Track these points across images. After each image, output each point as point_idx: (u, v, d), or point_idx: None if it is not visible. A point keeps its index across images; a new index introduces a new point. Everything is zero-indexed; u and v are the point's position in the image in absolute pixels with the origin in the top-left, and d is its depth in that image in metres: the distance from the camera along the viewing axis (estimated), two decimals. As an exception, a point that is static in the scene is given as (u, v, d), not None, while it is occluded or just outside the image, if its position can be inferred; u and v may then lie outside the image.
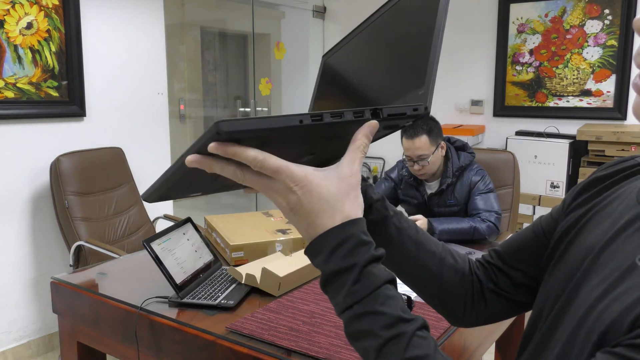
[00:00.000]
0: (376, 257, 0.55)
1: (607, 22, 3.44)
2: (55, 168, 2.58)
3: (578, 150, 3.42)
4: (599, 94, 3.52)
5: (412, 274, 0.75)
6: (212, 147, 0.50)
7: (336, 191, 0.54)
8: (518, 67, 3.79)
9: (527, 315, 1.60)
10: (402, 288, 1.48)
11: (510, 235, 0.79)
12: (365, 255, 0.54)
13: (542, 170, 3.47)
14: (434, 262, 0.74)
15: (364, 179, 0.67)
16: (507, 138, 3.65)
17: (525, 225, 3.50)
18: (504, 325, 1.70)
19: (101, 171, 2.77)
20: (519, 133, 3.69)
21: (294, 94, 5.08)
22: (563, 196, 3.41)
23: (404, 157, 2.19)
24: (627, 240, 0.54)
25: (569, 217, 0.67)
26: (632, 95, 0.58)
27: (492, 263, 0.77)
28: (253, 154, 0.51)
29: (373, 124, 0.55)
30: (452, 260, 0.76)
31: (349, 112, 0.53)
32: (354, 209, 0.55)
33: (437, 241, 0.77)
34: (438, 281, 0.75)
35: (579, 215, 0.65)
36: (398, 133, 2.18)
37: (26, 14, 2.51)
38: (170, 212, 3.25)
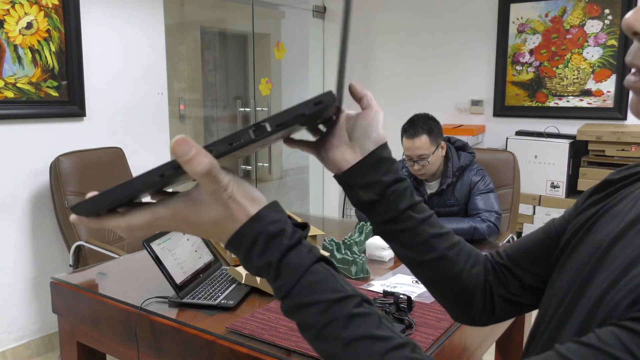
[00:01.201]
0: (290, 246, 0.53)
1: (607, 22, 3.44)
2: (55, 168, 2.58)
3: (578, 150, 3.42)
4: (599, 94, 3.52)
5: (432, 276, 0.75)
6: (74, 219, 0.51)
7: (212, 212, 0.52)
8: (518, 67, 3.79)
9: (527, 315, 1.60)
10: (402, 288, 1.48)
11: (522, 236, 0.79)
12: (279, 248, 0.52)
13: (542, 170, 3.47)
14: (456, 269, 0.74)
15: (399, 181, 0.68)
16: (507, 138, 3.65)
17: (526, 225, 3.50)
18: (504, 325, 1.69)
19: (101, 171, 2.76)
20: (519, 133, 3.69)
21: (294, 94, 5.08)
22: (563, 196, 3.41)
23: (404, 157, 2.19)
24: (635, 237, 0.54)
25: (579, 218, 0.67)
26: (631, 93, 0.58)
27: (502, 264, 0.76)
28: (115, 225, 0.52)
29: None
30: (472, 267, 0.75)
31: (222, 143, 0.51)
32: (244, 208, 0.53)
33: (463, 244, 0.75)
34: (455, 288, 0.75)
35: (588, 216, 0.65)
36: (398, 133, 2.18)
37: (26, 13, 2.51)
38: (170, 212, 3.25)
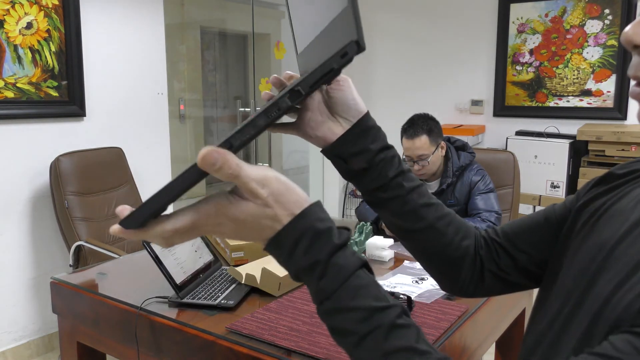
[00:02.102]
0: (339, 246, 0.52)
1: (607, 22, 3.44)
2: (55, 168, 2.58)
3: (578, 150, 3.42)
4: (599, 94, 3.52)
5: (420, 245, 0.77)
6: (117, 231, 0.48)
7: (253, 208, 0.51)
8: (518, 67, 3.79)
9: (528, 315, 1.60)
10: (402, 288, 1.48)
11: (522, 217, 0.79)
12: (326, 247, 0.51)
13: (542, 170, 3.47)
14: (444, 240, 0.75)
15: (387, 148, 0.69)
16: (507, 138, 3.65)
17: (526, 225, 3.50)
18: (504, 325, 1.69)
19: (101, 171, 2.76)
20: (519, 133, 3.69)
21: (294, 94, 5.05)
22: (563, 196, 3.41)
23: (404, 157, 2.19)
24: (639, 236, 0.54)
25: (580, 213, 0.67)
26: (634, 103, 0.59)
27: (498, 242, 0.77)
28: (161, 230, 0.49)
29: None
30: (462, 240, 0.76)
31: (261, 116, 0.50)
32: (286, 207, 0.51)
33: (453, 217, 0.76)
34: (443, 258, 0.76)
35: (591, 211, 0.65)
36: (398, 133, 2.18)
37: (26, 13, 2.51)
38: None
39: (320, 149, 0.70)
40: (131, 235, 0.49)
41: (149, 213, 0.49)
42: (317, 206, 0.53)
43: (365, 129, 0.68)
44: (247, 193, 0.50)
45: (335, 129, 0.68)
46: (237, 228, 0.51)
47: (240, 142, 0.49)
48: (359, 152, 0.68)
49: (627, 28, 0.52)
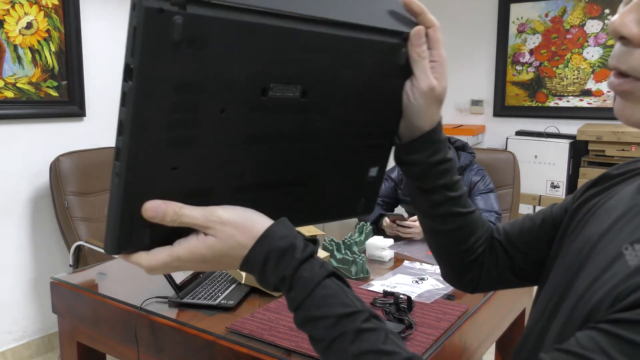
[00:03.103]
0: (303, 259, 0.55)
1: (607, 22, 3.44)
2: (55, 168, 2.58)
3: (578, 150, 3.42)
4: (599, 94, 3.52)
5: (440, 244, 0.78)
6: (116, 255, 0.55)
7: (219, 245, 0.55)
8: (518, 67, 3.79)
9: (527, 314, 1.60)
10: (402, 288, 1.48)
11: (522, 217, 0.80)
12: (291, 262, 0.54)
13: (542, 170, 3.47)
14: (464, 246, 0.76)
15: (445, 162, 0.68)
16: (507, 138, 3.65)
17: (526, 225, 3.50)
18: (504, 325, 1.69)
19: (101, 171, 2.77)
20: (519, 133, 3.69)
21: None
22: (563, 196, 3.41)
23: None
24: (619, 231, 0.54)
25: (575, 213, 0.68)
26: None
27: (499, 240, 0.78)
28: (137, 262, 0.55)
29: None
30: (479, 246, 0.77)
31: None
32: (248, 232, 0.55)
33: (479, 223, 0.77)
34: (458, 259, 0.77)
35: (584, 212, 0.66)
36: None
37: (26, 13, 2.51)
38: (170, 212, 3.25)
39: None
40: (122, 258, 0.55)
41: (113, 236, 0.52)
42: (278, 225, 0.56)
43: (432, 141, 0.67)
44: (205, 231, 0.55)
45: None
46: (214, 265, 0.57)
47: None
48: (413, 162, 0.68)
49: (614, 17, 0.52)
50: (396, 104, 0.65)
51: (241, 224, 0.55)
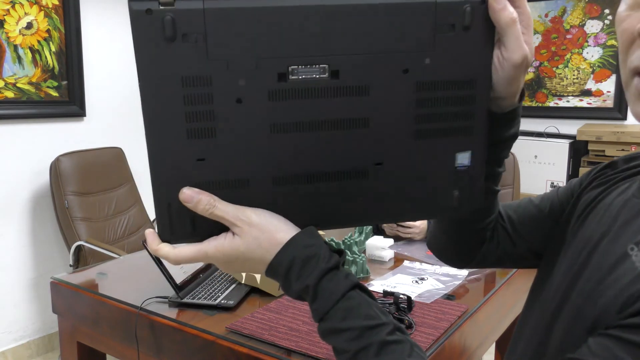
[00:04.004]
0: (327, 269, 0.54)
1: (607, 22, 3.44)
2: (55, 168, 2.58)
3: (578, 150, 3.42)
4: (599, 94, 3.52)
5: (447, 226, 0.76)
6: (147, 235, 0.59)
7: (243, 246, 0.56)
8: (518, 67, 3.79)
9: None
10: (402, 288, 1.48)
11: (526, 200, 0.79)
12: (315, 272, 0.54)
13: (542, 170, 3.47)
14: (477, 226, 0.74)
15: (514, 136, 0.63)
16: (507, 138, 3.65)
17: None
18: (504, 325, 1.70)
19: (101, 171, 2.77)
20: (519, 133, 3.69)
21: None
22: (563, 196, 3.42)
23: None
24: (621, 231, 0.54)
25: (579, 203, 0.67)
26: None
27: (502, 225, 0.78)
28: (165, 254, 0.58)
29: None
30: (488, 231, 0.76)
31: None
32: (273, 238, 0.55)
33: (496, 206, 0.75)
34: (465, 239, 0.76)
35: (587, 203, 0.65)
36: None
37: (26, 13, 2.51)
38: (170, 212, 3.25)
39: None
40: (148, 245, 0.58)
41: (158, 225, 0.57)
42: (303, 234, 0.56)
43: (516, 115, 0.62)
44: (233, 229, 0.56)
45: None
46: (235, 265, 0.58)
47: None
48: (493, 137, 0.62)
49: (635, 21, 0.50)
50: (476, 77, 0.56)
51: (267, 228, 0.55)
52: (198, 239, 0.58)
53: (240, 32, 0.49)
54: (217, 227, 0.56)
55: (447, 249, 0.80)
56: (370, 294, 0.57)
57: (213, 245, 0.56)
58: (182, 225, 0.56)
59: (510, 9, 0.53)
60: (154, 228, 2.42)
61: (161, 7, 0.46)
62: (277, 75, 0.50)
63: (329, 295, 0.54)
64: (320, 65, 0.51)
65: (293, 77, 0.51)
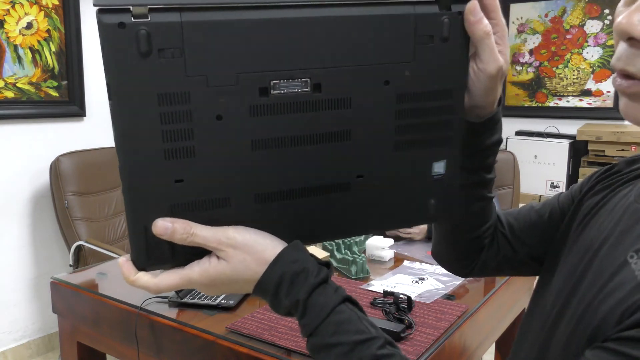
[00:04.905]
0: (316, 284, 0.53)
1: (607, 22, 3.44)
2: (55, 168, 2.58)
3: (578, 150, 3.42)
4: (599, 94, 3.52)
5: (453, 229, 0.76)
6: (121, 264, 0.55)
7: (228, 269, 0.54)
8: (518, 67, 3.79)
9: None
10: (402, 288, 1.48)
11: (527, 206, 0.79)
12: (304, 287, 0.53)
13: (542, 170, 3.47)
14: (474, 233, 0.75)
15: (498, 142, 0.66)
16: (507, 138, 3.65)
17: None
18: (504, 325, 1.70)
19: (101, 171, 2.77)
20: (519, 133, 3.69)
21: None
22: (563, 196, 3.41)
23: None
24: (622, 237, 0.54)
25: (581, 208, 0.67)
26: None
27: (502, 233, 0.77)
28: (145, 284, 0.54)
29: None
30: (486, 237, 0.76)
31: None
32: (260, 257, 0.54)
33: (492, 212, 0.75)
34: (463, 246, 0.76)
35: (589, 208, 0.65)
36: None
37: (26, 14, 2.51)
38: (170, 212, 3.25)
39: None
40: (124, 277, 0.54)
41: (134, 252, 0.53)
42: (290, 249, 0.54)
43: (495, 122, 0.65)
44: (217, 253, 0.53)
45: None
46: (222, 288, 0.55)
47: None
48: (476, 144, 0.65)
49: (621, 17, 0.49)
50: (454, 87, 0.57)
51: (253, 248, 0.53)
52: (178, 263, 0.54)
53: (219, 46, 0.46)
54: (197, 249, 0.53)
55: (447, 257, 0.81)
56: (359, 307, 0.56)
57: (197, 271, 0.53)
58: (160, 250, 0.53)
59: (485, 21, 0.54)
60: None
61: (134, 20, 0.43)
62: (258, 90, 0.49)
63: (319, 310, 0.53)
64: (302, 79, 0.50)
65: (275, 92, 0.49)
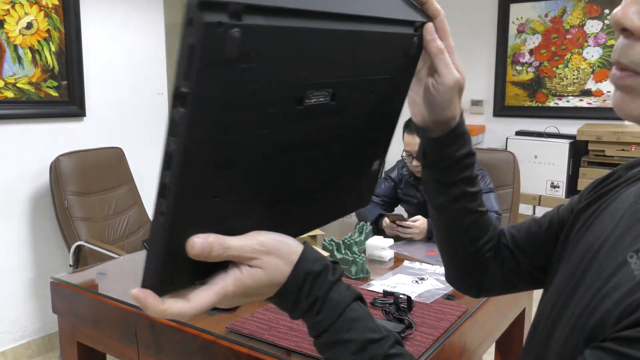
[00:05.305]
0: (334, 281, 0.54)
1: (607, 22, 3.44)
2: (55, 168, 2.58)
3: (578, 150, 3.42)
4: (599, 94, 3.52)
5: (449, 245, 0.77)
6: (136, 295, 0.49)
7: (258, 274, 0.51)
8: (518, 67, 3.79)
9: (527, 315, 1.60)
10: (402, 288, 1.48)
11: (529, 219, 0.80)
12: (324, 284, 0.53)
13: (542, 170, 3.47)
14: (473, 247, 0.76)
15: (470, 154, 0.68)
16: (507, 138, 3.65)
17: (525, 225, 3.50)
18: (504, 325, 1.70)
19: (101, 171, 2.77)
20: (519, 133, 3.69)
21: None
22: (563, 196, 3.41)
23: (404, 153, 2.19)
24: (622, 237, 0.54)
25: (580, 215, 0.67)
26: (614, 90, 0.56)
27: (505, 244, 0.78)
28: (180, 311, 0.50)
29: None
30: (488, 250, 0.77)
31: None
32: (288, 255, 0.53)
33: (488, 224, 0.76)
34: (465, 261, 0.77)
35: (590, 214, 0.65)
36: (399, 129, 2.18)
37: (26, 13, 2.51)
38: (170, 212, 3.25)
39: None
40: (152, 310, 0.49)
41: (155, 280, 0.48)
42: (308, 249, 0.55)
43: (459, 135, 0.68)
44: (249, 262, 0.51)
45: (419, 118, 0.68)
46: (253, 296, 0.53)
47: None
48: (447, 157, 0.68)
49: (617, 9, 0.50)
50: (401, 96, 0.64)
51: (282, 251, 0.52)
52: (199, 281, 0.51)
53: (286, 54, 0.44)
54: (215, 263, 0.49)
55: (454, 277, 0.82)
56: (366, 305, 0.57)
57: (231, 284, 0.50)
58: (186, 271, 0.48)
59: (439, 40, 0.61)
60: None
61: (230, 22, 0.39)
62: (298, 100, 0.48)
63: (335, 307, 0.53)
64: (326, 90, 0.51)
65: (307, 102, 0.49)
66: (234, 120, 0.44)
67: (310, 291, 0.53)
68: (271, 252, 0.51)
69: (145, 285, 0.48)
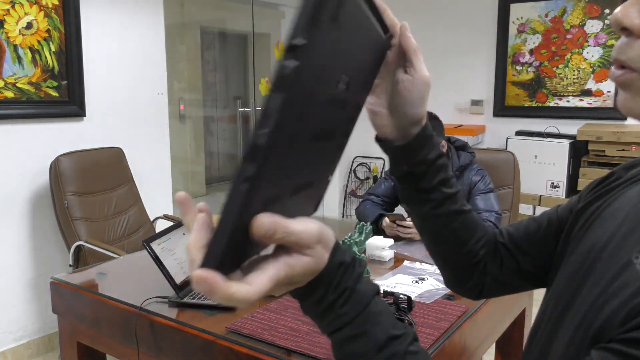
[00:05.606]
0: (360, 273, 0.54)
1: (607, 22, 3.44)
2: (55, 168, 2.58)
3: (578, 150, 3.42)
4: (599, 94, 3.52)
5: (441, 251, 0.78)
6: (199, 277, 0.41)
7: (314, 262, 0.48)
8: (518, 67, 3.79)
9: (527, 315, 1.60)
10: (402, 288, 1.48)
11: (527, 218, 0.80)
12: (353, 275, 0.52)
13: (542, 170, 3.47)
14: (465, 249, 0.76)
15: (440, 156, 0.69)
16: (507, 138, 3.65)
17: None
18: (504, 325, 1.69)
19: (101, 171, 2.77)
20: (519, 133, 3.69)
21: (294, 94, 5.04)
22: (563, 196, 3.41)
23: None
24: (626, 238, 0.54)
25: (580, 214, 0.67)
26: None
27: (503, 244, 0.78)
28: (245, 295, 0.43)
29: None
30: (480, 248, 0.77)
31: None
32: (329, 247, 0.50)
33: (477, 224, 0.76)
34: (460, 263, 0.77)
35: (590, 213, 0.65)
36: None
37: (26, 13, 2.51)
38: (170, 212, 3.25)
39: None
40: (220, 294, 0.42)
41: (216, 253, 0.41)
42: (337, 240, 0.54)
43: (426, 138, 0.68)
44: (304, 250, 0.48)
45: (386, 129, 0.68)
46: (295, 283, 0.50)
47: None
48: (422, 162, 0.68)
49: (617, 9, 0.52)
50: (365, 97, 0.63)
51: (329, 240, 0.50)
52: (235, 268, 0.45)
53: (351, 25, 0.43)
54: (252, 247, 0.46)
55: (453, 281, 0.82)
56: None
57: (283, 269, 0.46)
58: (237, 256, 0.44)
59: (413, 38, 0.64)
60: (154, 228, 2.39)
61: None
62: (336, 82, 0.46)
63: (362, 299, 0.52)
64: (347, 76, 0.49)
65: (340, 86, 0.47)
66: (319, 90, 0.42)
67: (340, 282, 0.52)
68: (322, 241, 0.49)
69: (207, 264, 0.41)
